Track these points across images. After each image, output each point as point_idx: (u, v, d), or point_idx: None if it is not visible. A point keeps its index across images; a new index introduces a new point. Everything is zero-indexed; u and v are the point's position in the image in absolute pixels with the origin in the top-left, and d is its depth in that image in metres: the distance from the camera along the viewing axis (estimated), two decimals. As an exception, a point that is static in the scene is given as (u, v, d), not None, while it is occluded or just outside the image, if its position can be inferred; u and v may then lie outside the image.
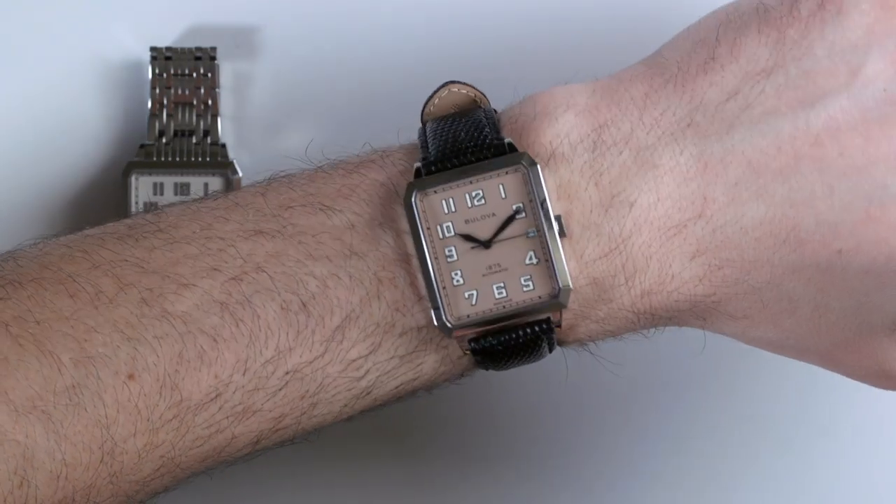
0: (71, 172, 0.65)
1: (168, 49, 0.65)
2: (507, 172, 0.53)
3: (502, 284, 0.52)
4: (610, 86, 0.54)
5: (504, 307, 0.52)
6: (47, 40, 0.65)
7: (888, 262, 0.52)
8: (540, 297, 0.52)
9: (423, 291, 0.52)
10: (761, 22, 0.53)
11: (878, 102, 0.52)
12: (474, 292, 0.53)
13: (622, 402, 0.66)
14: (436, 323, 0.52)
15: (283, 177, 0.55)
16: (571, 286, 0.52)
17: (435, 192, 0.53)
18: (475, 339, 0.53)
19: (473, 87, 0.55)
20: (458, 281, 0.52)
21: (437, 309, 0.52)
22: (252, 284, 0.52)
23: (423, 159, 0.53)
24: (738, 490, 0.66)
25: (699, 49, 0.54)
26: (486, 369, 0.54)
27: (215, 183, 0.64)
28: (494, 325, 0.52)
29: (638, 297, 0.53)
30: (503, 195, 0.53)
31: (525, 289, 0.52)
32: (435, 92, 0.55)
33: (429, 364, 0.53)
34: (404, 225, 0.53)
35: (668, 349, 0.65)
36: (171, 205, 0.55)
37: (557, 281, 0.52)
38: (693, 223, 0.53)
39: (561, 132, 0.53)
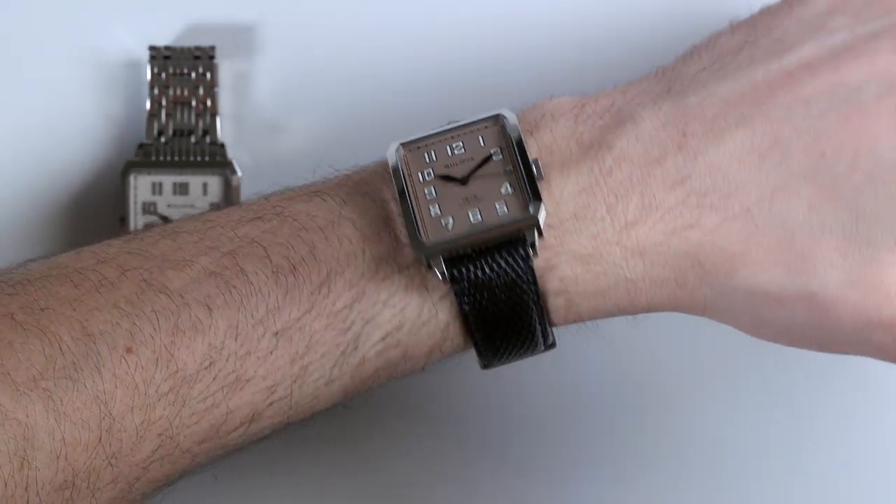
0: (70, 172, 0.65)
1: (167, 48, 0.64)
2: (486, 126, 0.55)
3: (478, 211, 0.53)
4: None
5: (477, 228, 0.53)
6: (46, 39, 0.65)
7: (872, 153, 0.52)
8: (513, 215, 0.53)
9: (404, 238, 0.54)
10: (736, 21, 0.57)
11: (845, 41, 0.54)
12: (450, 219, 0.53)
13: (621, 402, 0.65)
14: (411, 244, 0.53)
15: (287, 187, 0.56)
16: (544, 201, 0.53)
17: (418, 147, 0.55)
18: (453, 265, 0.53)
19: None
20: (435, 213, 0.54)
21: (412, 233, 0.53)
22: (246, 256, 0.54)
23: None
24: (738, 490, 0.66)
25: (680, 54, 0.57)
26: (479, 351, 0.54)
27: (214, 182, 0.64)
28: (468, 239, 0.53)
29: (622, 229, 0.53)
30: (482, 143, 0.55)
31: (500, 212, 0.53)
32: None
33: (411, 308, 0.54)
34: (391, 193, 0.55)
35: (668, 350, 0.65)
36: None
37: (531, 201, 0.53)
38: (673, 155, 0.53)
39: (546, 110, 0.55)
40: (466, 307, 0.53)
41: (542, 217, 0.52)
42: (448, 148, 0.55)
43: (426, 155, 0.55)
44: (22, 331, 0.52)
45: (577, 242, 0.53)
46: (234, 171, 0.64)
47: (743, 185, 0.53)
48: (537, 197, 0.53)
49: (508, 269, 0.53)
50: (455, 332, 0.54)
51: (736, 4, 0.59)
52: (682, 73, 0.55)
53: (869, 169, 0.52)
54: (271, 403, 0.54)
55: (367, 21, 0.65)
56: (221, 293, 0.53)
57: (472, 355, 0.55)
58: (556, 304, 0.54)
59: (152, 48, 0.64)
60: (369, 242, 0.54)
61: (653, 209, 0.53)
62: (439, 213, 0.53)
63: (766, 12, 0.57)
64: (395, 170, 0.54)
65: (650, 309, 0.55)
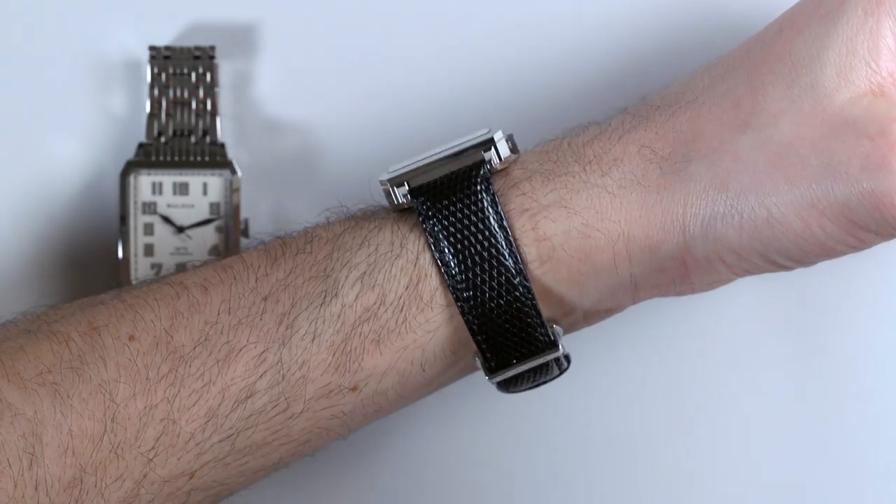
0: (70, 171, 0.65)
1: (167, 48, 0.64)
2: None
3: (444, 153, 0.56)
4: None
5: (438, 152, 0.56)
6: (46, 39, 0.65)
7: (795, 6, 0.56)
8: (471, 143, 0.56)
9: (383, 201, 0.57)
10: None
11: None
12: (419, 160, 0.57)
13: (620, 402, 0.65)
14: (379, 178, 0.56)
15: None
16: (500, 131, 0.56)
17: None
18: (417, 194, 0.55)
19: None
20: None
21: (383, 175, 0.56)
22: (246, 250, 0.57)
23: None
24: (737, 491, 0.66)
25: None
26: (449, 270, 0.55)
27: (214, 182, 0.64)
28: (430, 165, 0.56)
29: (579, 147, 0.56)
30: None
31: (462, 145, 0.56)
32: None
33: (384, 245, 0.55)
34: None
35: (667, 351, 0.65)
36: None
37: (492, 132, 0.56)
38: (634, 108, 0.57)
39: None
40: (428, 227, 0.55)
41: (497, 135, 0.55)
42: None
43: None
44: (33, 336, 0.53)
45: (537, 164, 0.56)
46: (234, 171, 0.64)
47: (690, 86, 0.56)
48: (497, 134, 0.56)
49: (468, 191, 0.55)
50: (426, 266, 0.55)
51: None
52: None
53: (794, 22, 0.55)
54: (262, 374, 0.54)
55: (367, 21, 0.65)
56: (217, 273, 0.55)
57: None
58: (521, 224, 0.55)
59: (152, 48, 0.64)
60: (354, 216, 0.57)
61: (608, 129, 0.56)
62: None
63: None
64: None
65: (629, 237, 0.55)
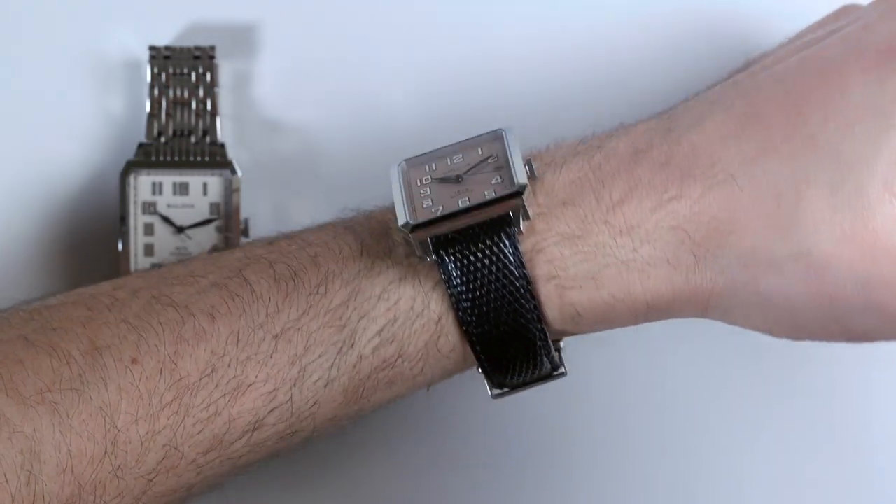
0: (69, 171, 0.65)
1: (167, 48, 0.64)
2: (486, 140, 0.56)
3: (467, 198, 0.54)
4: None
5: (464, 208, 0.54)
6: (46, 39, 0.65)
7: (843, 96, 0.52)
8: (499, 193, 0.54)
9: (401, 239, 0.55)
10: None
11: (817, 37, 0.55)
12: (440, 206, 0.54)
13: (619, 403, 0.65)
14: (399, 223, 0.54)
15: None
16: (534, 192, 0.54)
17: (421, 162, 0.56)
18: (440, 247, 0.54)
19: None
20: (427, 204, 0.54)
21: (401, 215, 0.54)
22: (251, 269, 0.55)
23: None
24: (738, 490, 0.66)
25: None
26: (480, 362, 0.54)
27: (214, 182, 0.64)
28: (454, 221, 0.54)
29: (609, 209, 0.54)
30: (480, 153, 0.55)
31: (486, 195, 0.54)
32: None
33: (405, 301, 0.54)
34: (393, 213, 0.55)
35: (667, 351, 0.65)
36: None
37: (516, 177, 0.54)
38: (660, 141, 0.54)
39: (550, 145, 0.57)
40: (453, 290, 0.54)
41: (526, 192, 0.53)
42: (449, 159, 0.55)
43: (427, 166, 0.56)
44: (33, 349, 0.52)
45: (564, 224, 0.54)
46: (234, 171, 0.64)
47: (725, 156, 0.53)
48: (522, 178, 0.53)
49: (495, 249, 0.53)
50: (448, 325, 0.54)
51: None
52: (679, 107, 0.56)
53: (843, 113, 0.52)
54: (272, 410, 0.54)
55: (367, 21, 0.65)
56: (224, 302, 0.54)
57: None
58: (547, 290, 0.54)
59: (152, 48, 0.64)
60: (367, 247, 0.55)
61: (638, 188, 0.53)
62: (431, 203, 0.54)
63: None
64: (395, 178, 0.55)
65: (650, 305, 0.54)
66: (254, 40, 0.65)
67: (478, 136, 0.56)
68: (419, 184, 0.55)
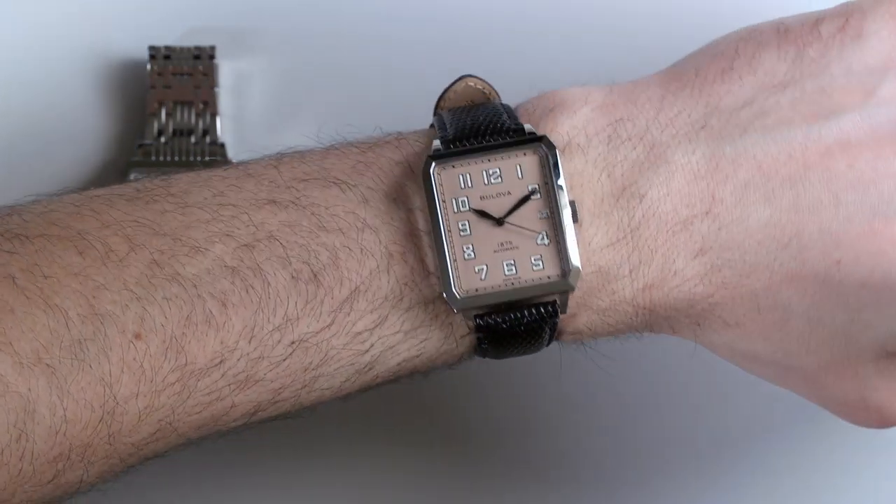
0: (70, 172, 0.65)
1: (167, 48, 0.64)
2: (524, 153, 0.54)
3: (512, 262, 0.53)
4: (627, 88, 0.56)
5: (513, 284, 0.53)
6: (46, 39, 0.65)
7: (886, 276, 0.53)
8: (549, 277, 0.53)
9: (433, 267, 0.53)
10: (781, 39, 0.55)
11: (891, 122, 0.53)
12: (484, 267, 0.53)
13: (619, 403, 0.65)
14: (444, 294, 0.53)
15: (295, 153, 0.55)
16: (581, 268, 0.53)
17: (453, 166, 0.53)
18: (481, 316, 0.53)
19: (488, 84, 0.56)
20: (469, 255, 0.53)
21: (446, 280, 0.52)
22: (264, 252, 0.53)
23: (442, 138, 0.54)
24: (738, 490, 0.65)
25: (718, 60, 0.55)
26: (485, 356, 0.54)
27: (214, 182, 0.64)
28: (501, 299, 0.53)
29: (639, 291, 0.54)
30: (520, 175, 0.54)
31: (535, 268, 0.53)
32: (451, 85, 0.56)
33: (432, 342, 0.54)
34: (418, 201, 0.53)
35: (666, 352, 0.65)
36: (180, 172, 0.55)
37: (568, 262, 0.53)
38: (700, 220, 0.53)
39: (578, 124, 0.54)
40: (486, 345, 0.54)
41: (578, 286, 0.53)
42: (484, 174, 0.54)
43: (461, 178, 0.54)
44: (24, 298, 0.51)
45: (597, 298, 0.54)
46: (234, 171, 0.64)
47: (756, 268, 0.53)
48: (574, 262, 0.53)
49: (535, 314, 0.53)
50: (467, 346, 0.55)
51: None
52: (720, 104, 0.54)
53: (879, 289, 0.53)
54: (276, 402, 0.54)
55: (367, 21, 0.65)
56: (238, 291, 0.52)
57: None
58: (567, 337, 0.55)
59: (152, 48, 0.64)
60: (395, 259, 0.53)
61: (672, 275, 0.54)
62: (472, 255, 0.53)
63: (815, 37, 0.55)
64: (430, 193, 0.53)
65: (650, 331, 0.56)
66: (254, 40, 0.66)
67: (512, 144, 0.54)
68: (455, 209, 0.53)
